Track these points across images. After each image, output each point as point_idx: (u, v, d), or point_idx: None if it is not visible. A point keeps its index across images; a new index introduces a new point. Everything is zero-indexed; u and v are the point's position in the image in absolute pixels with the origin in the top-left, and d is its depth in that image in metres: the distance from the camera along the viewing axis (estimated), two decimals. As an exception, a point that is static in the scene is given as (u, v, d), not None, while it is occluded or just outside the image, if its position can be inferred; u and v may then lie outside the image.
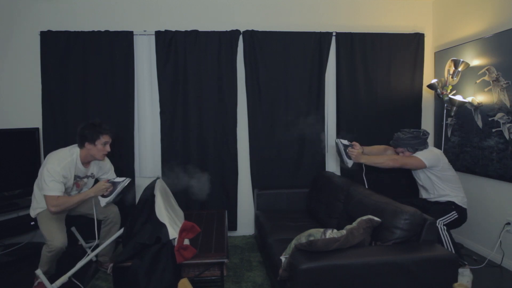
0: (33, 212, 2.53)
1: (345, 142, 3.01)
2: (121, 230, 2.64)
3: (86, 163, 2.56)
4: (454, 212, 2.64)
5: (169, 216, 2.35)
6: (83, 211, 2.70)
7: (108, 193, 2.45)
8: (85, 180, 2.64)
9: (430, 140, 3.84)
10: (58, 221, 2.49)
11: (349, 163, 2.97)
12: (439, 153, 2.76)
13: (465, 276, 2.44)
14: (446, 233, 2.53)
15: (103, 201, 2.43)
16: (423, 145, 2.80)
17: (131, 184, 2.44)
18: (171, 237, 2.13)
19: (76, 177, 2.53)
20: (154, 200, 2.53)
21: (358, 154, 2.88)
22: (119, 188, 2.43)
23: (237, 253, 3.18)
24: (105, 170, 2.76)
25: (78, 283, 2.50)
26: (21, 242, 3.29)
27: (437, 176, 2.73)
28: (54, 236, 2.37)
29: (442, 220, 2.59)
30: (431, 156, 2.70)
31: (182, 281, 2.04)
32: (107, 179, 2.49)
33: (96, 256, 2.83)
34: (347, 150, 2.95)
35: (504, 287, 2.58)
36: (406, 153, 2.82)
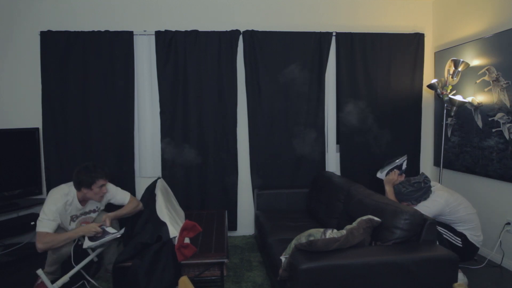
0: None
1: (403, 165, 2.97)
2: (122, 230, 2.64)
3: (84, 201, 2.53)
4: (460, 240, 2.56)
5: (170, 215, 2.36)
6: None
7: (95, 238, 2.37)
8: (92, 215, 2.61)
9: (430, 140, 3.85)
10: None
11: (381, 175, 2.99)
12: (442, 201, 2.59)
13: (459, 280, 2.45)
14: (445, 229, 2.52)
15: (86, 244, 2.35)
16: (427, 193, 2.65)
17: (118, 238, 2.41)
18: (171, 235, 2.14)
19: (76, 216, 2.51)
20: (155, 199, 2.53)
21: (392, 180, 2.85)
22: (107, 239, 2.35)
23: (237, 253, 3.18)
24: (116, 193, 2.68)
25: (86, 275, 2.51)
26: (21, 242, 3.29)
27: (448, 219, 2.63)
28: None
29: (445, 231, 2.54)
30: (432, 209, 2.57)
31: (182, 279, 2.03)
32: (100, 224, 2.42)
33: (99, 260, 2.83)
34: (394, 170, 2.92)
35: (504, 287, 2.58)
36: (410, 205, 2.67)
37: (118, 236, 2.38)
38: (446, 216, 2.61)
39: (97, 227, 2.36)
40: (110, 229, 2.40)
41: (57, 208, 2.36)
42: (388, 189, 2.86)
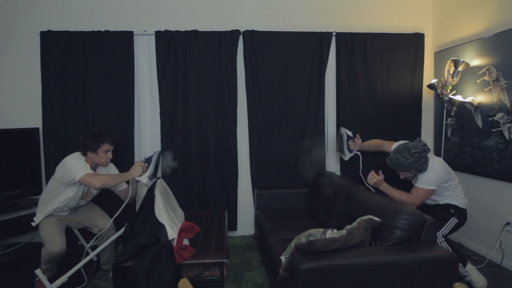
0: (36, 220, 2.54)
1: (350, 133, 2.92)
2: (121, 230, 2.64)
3: (93, 169, 2.55)
4: (454, 217, 2.49)
5: (168, 216, 2.35)
6: (84, 223, 2.70)
7: (145, 170, 2.50)
8: (91, 189, 2.62)
9: (430, 140, 3.84)
10: (59, 227, 2.51)
11: (347, 156, 2.93)
12: (441, 167, 2.48)
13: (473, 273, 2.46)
14: (445, 243, 2.43)
15: (144, 179, 2.47)
16: (426, 162, 2.47)
17: (165, 155, 2.62)
18: (169, 237, 2.13)
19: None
20: (154, 200, 2.53)
21: (378, 181, 2.58)
22: (153, 161, 2.50)
23: (237, 253, 3.18)
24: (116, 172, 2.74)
25: (84, 275, 2.52)
26: (21, 242, 3.29)
27: (446, 186, 2.52)
28: (53, 241, 2.41)
29: (442, 231, 2.44)
30: (434, 177, 2.43)
31: (182, 281, 2.04)
32: (141, 160, 2.55)
33: (98, 260, 2.83)
34: (349, 142, 2.89)
35: (504, 287, 2.58)
36: (409, 174, 2.54)
37: (159, 151, 2.62)
38: (445, 183, 2.48)
39: (141, 163, 2.47)
40: (149, 155, 2.55)
41: (77, 159, 2.44)
42: (384, 188, 2.61)
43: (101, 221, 2.70)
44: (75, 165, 2.38)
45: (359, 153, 2.95)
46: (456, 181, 2.58)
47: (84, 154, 2.49)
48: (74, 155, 2.51)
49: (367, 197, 2.45)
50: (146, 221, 2.34)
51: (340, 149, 3.00)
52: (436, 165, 2.47)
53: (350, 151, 2.92)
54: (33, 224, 2.54)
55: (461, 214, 2.53)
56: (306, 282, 1.76)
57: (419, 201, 2.45)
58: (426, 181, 2.43)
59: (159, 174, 3.52)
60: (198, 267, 2.22)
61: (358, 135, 2.93)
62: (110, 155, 2.54)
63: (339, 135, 2.99)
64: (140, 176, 2.47)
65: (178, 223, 2.43)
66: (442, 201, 2.58)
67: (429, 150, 2.49)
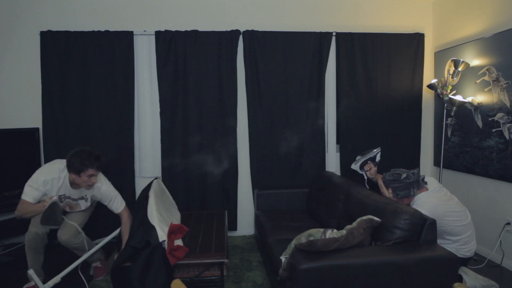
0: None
1: (378, 157, 2.92)
2: (117, 231, 2.64)
3: (75, 185, 2.46)
4: None
5: (160, 218, 2.34)
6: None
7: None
8: (79, 201, 2.57)
9: (430, 140, 3.84)
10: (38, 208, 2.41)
11: (355, 166, 2.97)
12: (435, 205, 2.31)
13: (468, 275, 2.43)
14: None
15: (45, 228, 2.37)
16: (404, 190, 2.40)
17: (58, 209, 2.31)
18: (160, 239, 2.13)
19: (65, 196, 2.47)
20: (148, 201, 2.53)
21: (375, 172, 2.83)
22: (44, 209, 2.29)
23: (237, 253, 3.18)
24: (110, 198, 2.57)
25: (83, 278, 2.51)
26: (21, 242, 3.29)
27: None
28: (32, 221, 2.41)
29: None
30: (426, 209, 2.25)
31: (174, 282, 2.04)
32: (51, 196, 2.33)
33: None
34: (368, 162, 2.90)
35: (504, 287, 2.58)
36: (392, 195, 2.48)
37: (54, 201, 2.27)
38: (448, 224, 2.33)
39: (47, 201, 2.25)
40: (53, 199, 2.28)
41: (45, 180, 2.35)
42: (380, 184, 2.64)
43: (71, 222, 2.53)
44: (28, 186, 2.32)
45: (366, 177, 2.95)
46: (448, 228, 2.35)
47: (69, 171, 2.38)
48: (53, 168, 2.40)
49: (367, 197, 2.45)
50: (140, 224, 2.34)
51: (357, 159, 3.01)
52: (429, 200, 2.35)
53: (362, 168, 2.92)
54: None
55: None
56: (306, 282, 1.76)
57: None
58: (419, 203, 2.35)
59: (158, 174, 3.53)
60: (198, 267, 2.22)
61: (375, 169, 2.87)
62: (94, 179, 2.38)
63: (369, 152, 2.94)
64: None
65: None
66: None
67: (412, 177, 2.40)
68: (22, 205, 2.33)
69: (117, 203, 2.59)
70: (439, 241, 2.27)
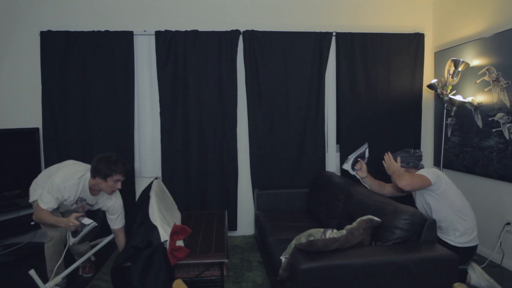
0: (32, 197, 2.48)
1: (367, 154, 2.91)
2: (94, 223, 2.62)
3: (94, 190, 2.44)
4: None
5: (162, 218, 2.35)
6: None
7: (76, 233, 2.32)
8: (89, 207, 2.56)
9: (430, 140, 3.84)
10: (56, 213, 2.44)
11: (346, 166, 2.89)
12: (439, 172, 2.43)
13: (476, 272, 2.42)
14: None
15: (71, 240, 2.34)
16: (414, 161, 2.55)
17: (95, 230, 2.34)
18: (162, 239, 2.13)
19: (82, 199, 2.45)
20: (149, 201, 2.53)
21: (365, 171, 2.78)
22: (84, 231, 2.29)
23: (237, 253, 3.18)
24: (118, 212, 2.56)
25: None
26: (21, 242, 3.29)
27: (437, 200, 2.36)
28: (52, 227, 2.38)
29: None
30: (430, 171, 2.39)
31: (176, 282, 2.04)
32: (76, 216, 2.30)
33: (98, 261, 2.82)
34: (358, 159, 2.87)
35: (504, 287, 2.58)
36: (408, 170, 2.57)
37: (95, 226, 2.30)
38: (438, 195, 2.35)
39: (74, 221, 2.25)
40: (86, 221, 2.32)
41: (65, 187, 2.30)
42: (369, 180, 2.75)
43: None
44: (47, 193, 2.29)
45: (358, 177, 2.88)
46: (461, 200, 2.38)
47: (93, 177, 2.35)
48: (72, 173, 2.37)
49: (367, 197, 2.45)
50: (141, 224, 2.34)
51: (348, 158, 2.95)
52: (433, 169, 2.47)
53: (353, 168, 2.87)
54: (30, 200, 2.50)
55: (461, 252, 2.30)
56: (306, 282, 1.76)
57: (413, 179, 2.33)
58: (423, 171, 2.41)
59: (158, 174, 3.53)
60: (198, 267, 2.22)
61: (366, 167, 2.87)
62: (119, 185, 2.38)
63: (358, 150, 2.93)
64: (71, 230, 2.31)
65: (172, 224, 2.43)
66: (441, 234, 2.39)
67: (420, 152, 2.60)
68: (40, 213, 2.28)
69: (120, 219, 2.58)
70: (445, 213, 2.34)
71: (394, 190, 2.61)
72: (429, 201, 2.40)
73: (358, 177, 2.86)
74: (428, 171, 2.39)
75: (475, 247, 2.39)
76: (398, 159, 2.59)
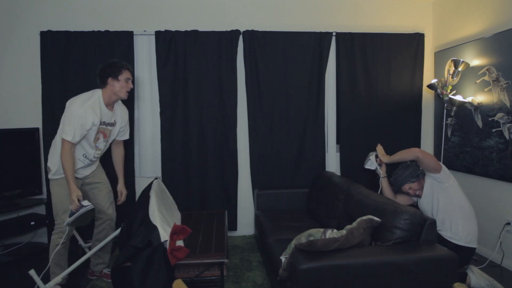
0: (52, 169, 2.43)
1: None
2: (117, 231, 2.64)
3: (110, 105, 2.46)
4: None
5: (162, 218, 2.34)
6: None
7: (73, 213, 2.30)
8: (110, 128, 2.53)
9: (430, 140, 3.84)
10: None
11: (369, 163, 2.96)
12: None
13: (474, 273, 2.44)
14: None
15: (67, 220, 2.31)
16: (418, 170, 2.62)
17: (91, 213, 2.33)
18: (162, 239, 2.13)
19: (102, 123, 2.42)
20: (149, 201, 2.52)
21: (384, 170, 2.89)
22: (80, 212, 2.28)
23: (237, 253, 3.18)
24: (127, 122, 2.65)
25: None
26: (21, 242, 3.29)
27: (447, 195, 2.45)
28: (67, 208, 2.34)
29: None
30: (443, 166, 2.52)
31: (176, 282, 2.04)
32: (78, 196, 2.29)
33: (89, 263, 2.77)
34: (377, 158, 2.96)
35: (504, 287, 2.58)
36: (413, 185, 2.64)
37: (91, 208, 2.30)
38: (445, 190, 2.46)
39: (76, 200, 2.26)
40: (85, 202, 2.33)
41: (86, 108, 2.28)
42: (388, 159, 2.85)
43: (110, 211, 2.64)
44: (69, 122, 2.25)
45: (380, 174, 2.93)
46: (466, 203, 2.47)
47: (104, 83, 2.38)
48: (84, 96, 2.35)
49: (367, 197, 2.45)
50: (141, 223, 2.34)
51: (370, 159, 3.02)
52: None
53: (378, 171, 2.94)
54: (49, 176, 2.44)
55: (462, 253, 2.34)
56: (306, 282, 1.76)
57: (426, 154, 2.49)
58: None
59: (158, 174, 3.53)
60: (198, 267, 2.22)
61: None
62: (130, 84, 2.45)
63: (369, 160, 3.01)
64: (71, 210, 2.30)
65: (172, 224, 2.43)
66: (444, 231, 2.46)
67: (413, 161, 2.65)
68: (65, 149, 2.24)
69: (127, 131, 2.70)
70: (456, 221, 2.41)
71: (405, 200, 2.73)
72: (440, 196, 2.48)
73: (380, 174, 2.92)
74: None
75: (474, 249, 2.44)
76: (406, 185, 2.66)
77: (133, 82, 3.39)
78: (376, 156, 2.97)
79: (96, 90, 2.44)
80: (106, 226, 2.67)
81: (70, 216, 2.28)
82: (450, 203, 2.45)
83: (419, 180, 2.63)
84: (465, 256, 2.40)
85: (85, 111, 2.29)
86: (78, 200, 2.27)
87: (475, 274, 2.45)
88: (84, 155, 2.46)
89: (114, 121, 2.55)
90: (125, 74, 2.42)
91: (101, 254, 2.71)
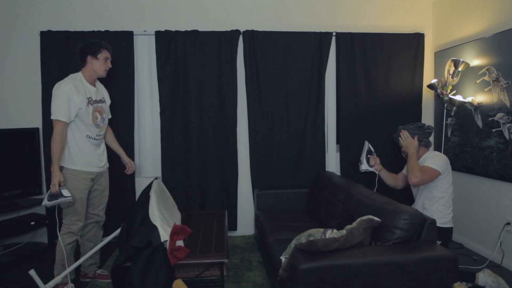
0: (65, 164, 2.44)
1: (372, 148, 3.19)
2: (117, 231, 2.63)
3: (91, 83, 2.52)
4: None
5: (162, 218, 2.34)
6: (89, 204, 2.63)
7: (52, 196, 2.31)
8: (102, 105, 2.59)
9: (430, 140, 3.83)
10: (83, 193, 2.46)
11: (363, 167, 3.13)
12: (444, 156, 2.70)
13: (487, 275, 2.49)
14: None
15: (44, 201, 2.33)
16: (427, 138, 2.75)
17: (72, 203, 2.40)
18: (162, 239, 2.12)
19: (91, 100, 2.48)
20: (149, 201, 2.52)
21: (379, 163, 3.10)
22: (59, 200, 2.29)
23: (237, 253, 3.18)
24: (109, 100, 2.74)
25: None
26: (21, 242, 3.29)
27: (436, 180, 2.62)
28: (79, 212, 2.43)
29: None
30: (441, 160, 2.62)
31: (176, 282, 2.04)
32: (61, 181, 2.31)
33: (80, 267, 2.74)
34: (369, 156, 3.12)
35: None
36: (412, 142, 2.76)
37: (71, 200, 2.32)
38: (445, 177, 2.62)
39: (57, 184, 2.28)
40: (65, 192, 2.33)
41: (71, 87, 2.33)
42: (384, 173, 3.07)
43: (101, 213, 2.69)
44: (56, 101, 2.31)
45: (376, 172, 3.11)
46: (451, 190, 2.66)
47: (83, 62, 2.45)
48: (66, 79, 2.41)
49: (367, 197, 2.45)
50: (141, 224, 2.33)
51: (359, 161, 3.23)
52: (441, 154, 2.75)
53: (369, 165, 3.11)
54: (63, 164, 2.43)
55: (444, 235, 2.56)
56: (306, 282, 1.76)
57: (424, 177, 2.59)
58: (433, 162, 2.61)
59: (158, 174, 3.53)
60: (198, 267, 2.22)
61: (375, 156, 3.15)
62: (109, 63, 2.53)
63: (364, 150, 3.21)
64: (48, 195, 2.31)
65: (172, 224, 2.43)
66: (427, 212, 2.62)
67: (432, 129, 2.80)
68: (56, 130, 2.29)
69: (109, 110, 2.75)
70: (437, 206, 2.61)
71: (407, 179, 2.79)
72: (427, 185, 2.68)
73: (376, 172, 3.10)
74: (438, 162, 2.60)
75: (452, 228, 2.66)
76: (416, 137, 2.75)
77: (132, 80, 3.43)
78: (367, 155, 3.11)
79: (76, 73, 2.50)
80: (95, 225, 2.69)
81: (49, 200, 2.29)
82: (439, 188, 2.63)
83: (420, 146, 2.75)
84: (446, 236, 2.59)
85: (70, 89, 2.35)
86: (60, 186, 2.29)
87: (484, 273, 2.50)
88: (88, 136, 2.50)
89: (103, 98, 2.64)
90: (104, 53, 2.48)
91: (92, 254, 2.69)
